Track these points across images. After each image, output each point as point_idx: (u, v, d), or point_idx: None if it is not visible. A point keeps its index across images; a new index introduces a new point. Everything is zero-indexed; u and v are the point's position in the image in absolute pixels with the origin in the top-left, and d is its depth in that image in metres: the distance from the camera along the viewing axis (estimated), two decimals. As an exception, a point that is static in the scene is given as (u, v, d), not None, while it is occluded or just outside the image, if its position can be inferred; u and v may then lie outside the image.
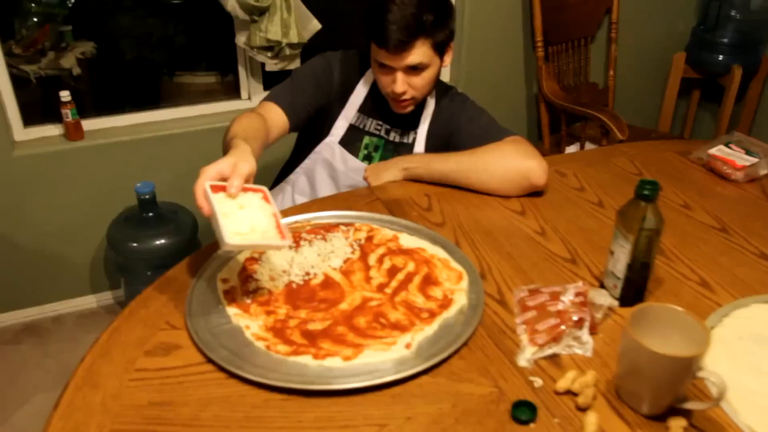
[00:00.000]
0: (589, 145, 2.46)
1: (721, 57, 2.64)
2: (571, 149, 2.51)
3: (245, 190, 1.03)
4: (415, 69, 1.41)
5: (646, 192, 0.98)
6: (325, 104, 1.54)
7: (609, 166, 1.55)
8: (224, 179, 1.01)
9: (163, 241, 2.09)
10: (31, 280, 2.27)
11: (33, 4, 2.30)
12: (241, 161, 1.02)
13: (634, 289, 1.05)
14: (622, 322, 1.02)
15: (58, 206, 2.18)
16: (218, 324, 0.99)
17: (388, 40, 1.35)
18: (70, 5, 2.33)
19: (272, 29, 2.10)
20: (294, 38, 2.14)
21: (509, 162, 1.37)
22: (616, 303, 1.05)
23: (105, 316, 2.35)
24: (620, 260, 1.03)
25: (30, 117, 2.15)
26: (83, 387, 0.88)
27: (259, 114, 1.39)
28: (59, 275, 2.30)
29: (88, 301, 2.38)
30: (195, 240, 2.20)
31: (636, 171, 1.52)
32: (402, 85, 1.42)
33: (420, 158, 1.47)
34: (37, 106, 2.26)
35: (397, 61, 1.39)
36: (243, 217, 1.00)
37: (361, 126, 1.57)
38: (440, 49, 1.43)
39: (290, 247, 1.15)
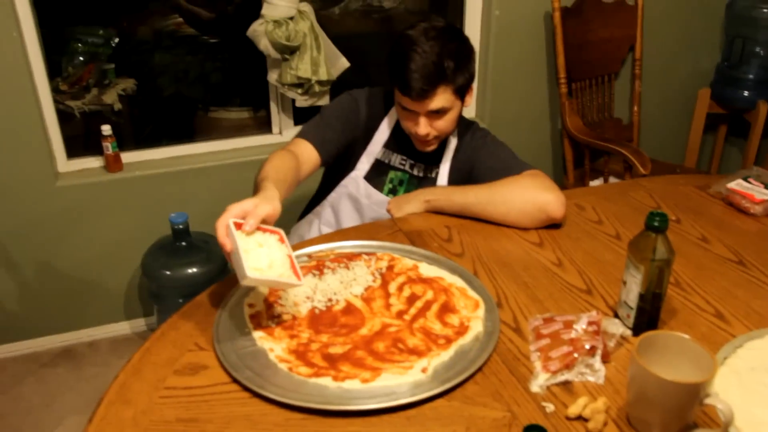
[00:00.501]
0: (612, 180, 2.48)
1: (746, 93, 2.66)
2: (595, 184, 2.54)
3: (263, 230, 1.09)
4: (437, 112, 1.47)
5: (655, 223, 1.01)
6: (352, 140, 1.61)
7: (628, 199, 1.57)
8: (245, 217, 1.07)
9: (194, 269, 2.16)
10: (69, 305, 2.36)
11: (80, 45, 2.43)
12: (264, 203, 1.09)
13: (647, 318, 1.07)
14: (634, 352, 1.04)
15: (96, 235, 2.28)
16: (244, 346, 1.04)
17: (411, 88, 1.41)
18: (113, 45, 2.45)
19: (302, 67, 2.19)
20: (323, 76, 2.22)
21: (527, 195, 1.41)
22: (629, 332, 1.07)
23: (138, 342, 2.42)
24: (632, 290, 1.06)
25: (73, 149, 2.26)
26: (116, 403, 0.93)
27: (290, 152, 1.45)
28: (95, 301, 2.38)
29: (122, 328, 2.46)
30: (225, 269, 2.27)
31: (654, 204, 1.55)
32: (425, 127, 1.48)
33: (441, 190, 1.52)
34: (79, 139, 2.37)
35: (419, 107, 1.45)
36: (262, 254, 1.06)
37: (387, 161, 1.63)
38: (461, 93, 1.49)
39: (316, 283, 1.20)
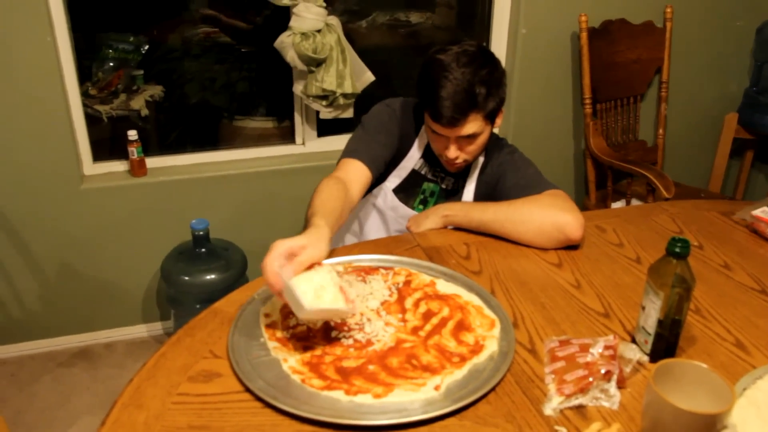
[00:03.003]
0: (635, 202, 2.46)
1: (774, 119, 2.63)
2: (617, 205, 2.52)
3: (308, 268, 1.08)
4: (467, 137, 1.46)
5: (677, 249, 1.00)
6: (394, 151, 1.59)
7: (650, 223, 1.56)
8: (292, 255, 1.07)
9: (213, 276, 2.18)
10: (88, 306, 2.38)
11: (110, 51, 2.47)
12: (311, 248, 1.08)
13: (665, 345, 1.06)
14: (651, 378, 1.03)
15: (117, 238, 2.31)
16: (258, 356, 1.05)
17: (441, 116, 1.41)
18: (143, 52, 2.49)
19: (328, 79, 2.21)
20: (348, 89, 2.24)
21: (545, 215, 1.40)
22: (646, 358, 1.06)
23: (154, 345, 2.44)
24: (651, 316, 1.04)
25: (99, 153, 2.29)
26: (129, 406, 0.94)
27: (338, 179, 1.42)
28: (114, 304, 2.41)
29: (139, 330, 2.48)
30: (243, 277, 2.28)
31: (677, 229, 1.53)
32: (454, 152, 1.48)
33: (460, 206, 1.51)
34: (106, 143, 2.41)
35: (449, 132, 1.45)
36: (309, 286, 1.05)
37: (422, 172, 1.62)
38: (492, 117, 1.48)
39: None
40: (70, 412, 2.11)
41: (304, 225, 1.25)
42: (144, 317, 2.47)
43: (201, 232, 2.18)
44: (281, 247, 1.06)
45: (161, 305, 2.47)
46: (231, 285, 2.21)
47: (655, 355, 1.06)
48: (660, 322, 1.03)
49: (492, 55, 1.48)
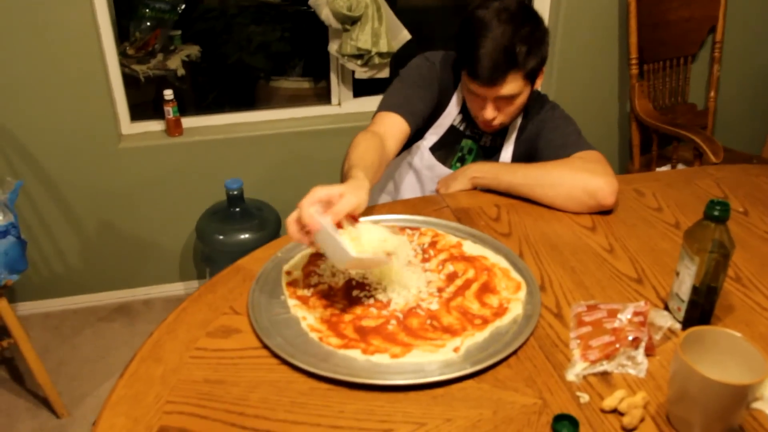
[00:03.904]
0: (681, 167, 2.36)
1: (837, 81, 2.47)
2: (662, 171, 2.42)
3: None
4: (505, 98, 1.40)
5: (716, 213, 0.94)
6: (433, 106, 1.53)
7: (692, 187, 1.49)
8: (329, 202, 1.03)
9: (247, 235, 2.19)
10: (126, 263, 2.43)
11: (147, 10, 2.47)
12: (350, 194, 1.03)
13: (699, 313, 1.01)
14: (683, 347, 0.99)
15: (154, 197, 2.33)
16: (277, 313, 1.04)
17: (479, 74, 1.35)
18: (179, 12, 2.48)
19: (363, 38, 2.16)
20: (384, 48, 2.19)
21: (576, 179, 1.34)
22: (678, 325, 1.01)
23: (190, 303, 2.47)
24: (685, 282, 0.99)
25: (136, 113, 2.31)
26: (147, 359, 0.95)
27: (374, 133, 1.37)
28: (152, 261, 2.45)
29: (176, 288, 2.53)
30: (277, 236, 2.28)
31: (721, 194, 1.45)
32: (491, 112, 1.42)
33: (489, 168, 1.47)
34: (143, 103, 2.43)
35: (487, 92, 1.39)
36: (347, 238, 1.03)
37: (461, 128, 1.57)
38: (532, 77, 1.41)
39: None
40: (110, 365, 2.17)
41: (342, 178, 1.23)
42: (181, 275, 2.52)
43: (235, 192, 2.19)
44: (320, 192, 1.02)
45: (197, 263, 2.51)
46: (264, 244, 2.21)
47: (688, 323, 1.01)
48: (695, 289, 0.98)
49: (534, 12, 1.40)
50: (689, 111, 2.55)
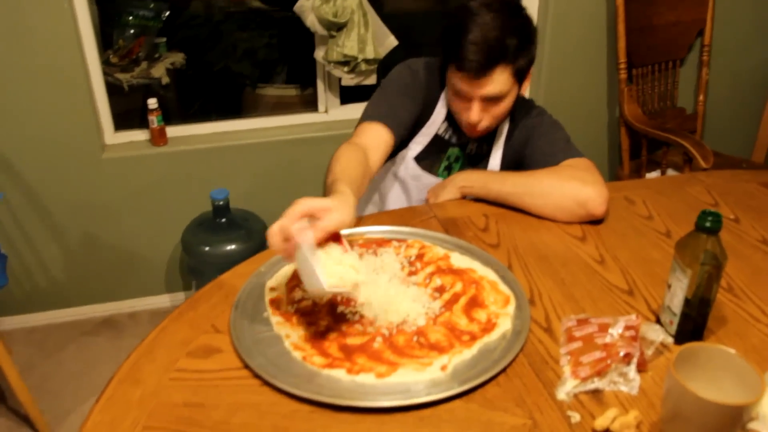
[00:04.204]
0: (671, 172, 2.35)
1: (825, 84, 2.47)
2: (652, 176, 2.41)
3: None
4: (492, 99, 1.36)
5: (707, 224, 0.92)
6: (416, 115, 1.48)
7: (682, 195, 1.47)
8: (313, 216, 0.98)
9: (233, 246, 2.15)
10: (111, 276, 2.39)
11: (131, 18, 2.44)
12: (336, 211, 0.97)
13: (692, 326, 0.98)
14: (676, 361, 0.96)
15: (139, 207, 2.30)
16: (260, 331, 1.01)
17: (466, 62, 1.29)
18: (164, 18, 2.45)
19: (349, 45, 2.14)
20: (370, 54, 2.16)
21: (566, 188, 1.32)
22: (670, 340, 0.99)
23: (177, 315, 2.43)
24: (677, 295, 0.97)
25: (120, 122, 2.28)
26: (125, 382, 0.91)
27: (356, 145, 1.33)
28: (137, 273, 2.41)
29: (162, 300, 2.49)
30: (263, 247, 2.25)
31: (712, 201, 1.43)
32: (477, 114, 1.38)
33: (477, 176, 1.44)
34: (127, 111, 2.39)
35: (474, 89, 1.34)
36: (321, 257, 0.97)
37: (446, 136, 1.53)
38: (520, 77, 1.37)
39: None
40: (94, 380, 2.13)
41: (324, 192, 1.19)
42: (167, 287, 2.48)
43: (221, 202, 2.16)
44: (305, 204, 0.96)
45: (184, 275, 2.47)
46: (251, 255, 2.17)
47: (681, 337, 0.99)
48: (687, 302, 0.96)
49: (524, 9, 1.37)
50: (678, 115, 2.54)
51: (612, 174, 2.70)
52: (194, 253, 2.18)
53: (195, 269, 2.26)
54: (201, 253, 2.16)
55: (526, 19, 1.35)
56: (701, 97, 2.53)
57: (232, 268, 1.19)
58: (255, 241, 2.19)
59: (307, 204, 0.97)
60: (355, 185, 1.17)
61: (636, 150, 2.43)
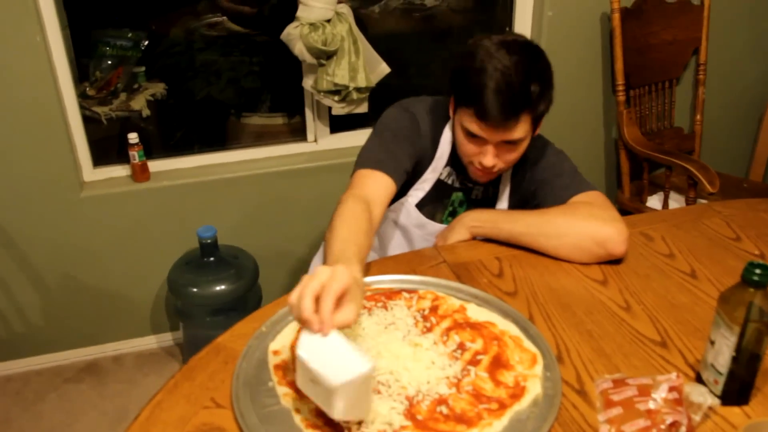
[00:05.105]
0: (673, 195, 2.29)
1: (821, 101, 2.43)
2: (654, 199, 2.35)
3: None
4: (510, 143, 1.27)
5: (755, 277, 0.84)
6: (417, 161, 1.39)
7: (701, 228, 1.40)
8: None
9: (223, 287, 2.04)
10: (93, 319, 2.27)
11: (108, 48, 2.34)
12: (352, 302, 0.89)
13: (739, 385, 0.91)
14: (724, 426, 0.88)
15: (121, 247, 2.18)
16: (266, 405, 0.92)
17: (489, 114, 1.20)
18: (143, 48, 2.35)
19: (339, 73, 2.05)
20: (362, 82, 2.08)
21: (583, 228, 1.24)
22: (716, 401, 0.91)
23: (164, 357, 2.32)
24: (723, 353, 0.89)
25: (99, 157, 2.16)
26: (117, 476, 0.81)
27: (361, 201, 1.21)
28: (121, 315, 2.29)
29: (148, 342, 2.36)
30: (255, 286, 2.15)
31: (733, 235, 1.36)
32: (493, 159, 1.28)
33: (487, 216, 1.36)
34: (106, 146, 2.28)
35: (493, 135, 1.25)
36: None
37: (449, 181, 1.45)
38: (538, 121, 1.29)
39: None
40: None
41: (324, 251, 1.10)
42: (153, 328, 2.35)
43: (208, 240, 2.05)
44: (320, 279, 0.86)
45: (170, 315, 2.35)
46: (242, 295, 2.08)
47: (728, 398, 0.91)
48: (734, 359, 0.88)
49: (542, 50, 1.28)
50: (676, 135, 2.49)
51: (612, 199, 2.62)
52: (181, 294, 2.07)
53: (183, 311, 2.14)
54: (189, 294, 2.05)
55: (546, 62, 1.27)
56: (698, 116, 2.48)
57: (230, 328, 1.09)
58: (246, 280, 2.09)
59: (322, 280, 0.87)
60: (364, 255, 1.08)
61: (636, 172, 2.37)
